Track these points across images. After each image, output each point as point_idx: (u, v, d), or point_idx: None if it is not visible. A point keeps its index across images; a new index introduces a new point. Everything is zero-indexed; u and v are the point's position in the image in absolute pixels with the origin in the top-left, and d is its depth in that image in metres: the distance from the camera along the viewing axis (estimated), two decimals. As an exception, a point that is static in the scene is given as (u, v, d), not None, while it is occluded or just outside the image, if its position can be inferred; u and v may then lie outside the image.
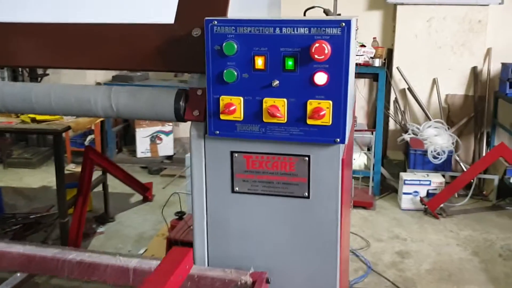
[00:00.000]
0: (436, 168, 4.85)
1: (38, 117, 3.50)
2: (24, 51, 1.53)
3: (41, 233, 4.14)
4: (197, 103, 1.41)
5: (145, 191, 4.81)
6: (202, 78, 1.44)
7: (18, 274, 1.77)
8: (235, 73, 1.30)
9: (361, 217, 4.59)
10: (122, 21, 1.51)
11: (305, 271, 1.42)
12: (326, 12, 4.56)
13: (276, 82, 1.29)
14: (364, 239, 4.13)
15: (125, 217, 4.53)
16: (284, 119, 1.31)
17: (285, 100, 1.30)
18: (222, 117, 1.35)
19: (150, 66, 1.48)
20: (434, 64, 5.13)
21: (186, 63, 1.45)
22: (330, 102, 1.27)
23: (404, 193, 4.68)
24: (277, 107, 1.30)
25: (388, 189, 5.16)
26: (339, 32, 1.23)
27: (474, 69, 5.10)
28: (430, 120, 5.09)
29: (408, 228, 4.36)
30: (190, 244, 3.61)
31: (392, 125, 5.42)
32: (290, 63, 1.27)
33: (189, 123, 1.44)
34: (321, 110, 1.27)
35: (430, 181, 4.65)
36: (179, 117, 1.43)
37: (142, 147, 5.86)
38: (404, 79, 5.17)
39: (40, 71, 5.55)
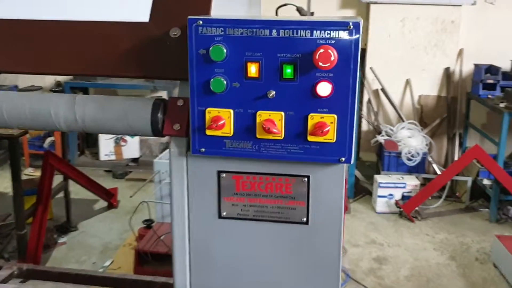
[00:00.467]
0: (410, 170, 4.78)
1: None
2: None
3: (-4, 245, 3.86)
4: (178, 116, 1.22)
5: (110, 197, 4.56)
6: (183, 86, 1.25)
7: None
8: (224, 82, 1.11)
9: (336, 221, 4.47)
10: (84, 19, 1.30)
11: (302, 306, 1.25)
12: (299, 10, 4.40)
13: (272, 93, 1.11)
14: (341, 245, 4.01)
15: (88, 226, 4.27)
16: (281, 135, 1.14)
17: (282, 113, 1.12)
18: (209, 132, 1.16)
19: (120, 71, 1.28)
20: (407, 64, 5.06)
21: (164, 68, 1.26)
22: (335, 116, 1.10)
23: (379, 196, 4.59)
24: (273, 122, 1.13)
25: (361, 191, 5.07)
26: (347, 35, 1.06)
27: (447, 70, 5.05)
28: (403, 121, 5.02)
29: (384, 233, 4.27)
30: (160, 256, 3.43)
31: (365, 126, 5.33)
32: (288, 71, 1.10)
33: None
34: (325, 125, 1.10)
35: (405, 183, 4.57)
36: (157, 132, 1.24)
37: (106, 149, 5.58)
38: (377, 79, 5.08)
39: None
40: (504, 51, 4.82)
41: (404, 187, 4.57)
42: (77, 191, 4.47)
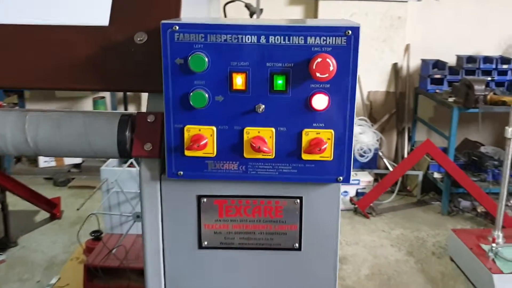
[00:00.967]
0: (362, 166, 4.78)
1: None
2: None
3: None
4: (149, 134, 1.06)
5: (52, 208, 4.26)
6: (153, 99, 1.10)
7: None
8: (206, 96, 0.97)
9: (292, 222, 4.39)
10: (31, 22, 1.12)
11: None
12: (248, 6, 4.27)
13: (261, 107, 0.98)
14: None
15: (30, 240, 3.97)
16: (272, 154, 1.00)
17: (273, 129, 0.99)
18: (188, 153, 1.01)
19: (77, 83, 1.10)
20: (356, 60, 5.04)
21: (129, 79, 1.09)
22: (332, 131, 0.99)
23: (334, 194, 4.55)
24: (263, 139, 0.99)
25: (315, 189, 5.02)
26: (344, 42, 0.94)
27: (395, 65, 5.08)
28: (354, 117, 5.00)
29: (341, 230, 4.23)
30: (111, 271, 3.21)
31: (315, 123, 5.28)
32: (279, 82, 0.97)
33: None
34: (321, 142, 0.98)
35: (359, 180, 4.56)
36: (124, 153, 1.07)
37: (45, 155, 5.24)
38: (327, 76, 5.03)
39: None
40: (449, 47, 4.89)
41: (358, 184, 4.56)
42: (15, 202, 4.13)
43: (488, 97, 4.11)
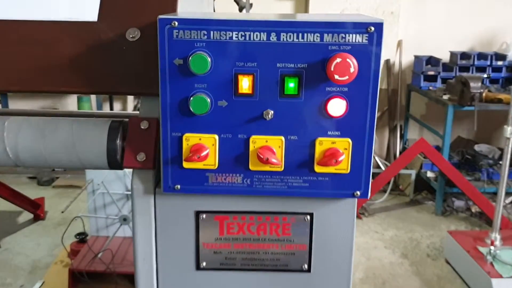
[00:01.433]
0: (355, 165, 4.68)
1: None
2: None
3: None
4: (142, 142, 0.94)
5: (36, 208, 4.11)
6: (147, 102, 0.98)
7: None
8: (208, 100, 0.85)
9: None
10: (11, 17, 0.99)
11: None
12: (237, 1, 4.15)
13: (269, 113, 0.87)
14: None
15: (13, 242, 3.82)
16: (281, 166, 0.89)
17: (282, 138, 0.88)
18: (187, 165, 0.89)
19: (63, 86, 0.98)
20: (349, 57, 4.95)
21: (120, 81, 0.97)
22: (349, 140, 0.88)
23: (326, 194, 4.45)
24: (271, 149, 0.88)
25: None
26: (366, 40, 0.83)
27: (387, 61, 5.00)
28: (346, 115, 4.91)
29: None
30: (96, 276, 3.09)
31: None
32: (291, 85, 0.85)
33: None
34: (338, 153, 0.87)
35: (351, 180, 4.46)
36: (115, 164, 0.95)
37: (29, 153, 5.07)
38: (319, 73, 4.93)
39: None
40: (443, 43, 4.82)
41: (350, 183, 4.47)
42: (-3, 202, 3.99)
43: (483, 94, 4.04)
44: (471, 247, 3.36)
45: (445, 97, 4.25)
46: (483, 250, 3.28)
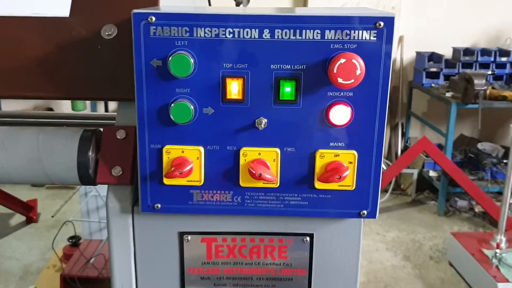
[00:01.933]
0: (355, 164, 4.57)
1: None
2: None
3: None
4: (118, 154, 0.83)
5: (28, 211, 3.99)
6: (125, 109, 0.86)
7: None
8: (191, 108, 0.74)
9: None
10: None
11: None
12: (234, -4, 4.03)
13: (262, 122, 0.75)
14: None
15: (4, 246, 3.71)
16: (276, 183, 0.78)
17: (277, 150, 0.77)
18: (167, 181, 0.78)
19: (25, 90, 0.86)
20: (349, 53, 4.82)
21: (95, 84, 0.86)
22: (355, 153, 0.76)
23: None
24: (265, 163, 0.76)
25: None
26: (374, 37, 0.71)
27: (388, 58, 4.86)
28: (346, 113, 4.79)
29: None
30: (88, 281, 2.98)
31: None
32: (287, 89, 0.74)
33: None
34: (341, 167, 0.75)
35: (352, 180, 4.35)
36: (87, 179, 0.84)
37: (21, 153, 4.94)
38: (318, 69, 4.81)
39: None
40: (445, 38, 4.69)
41: (351, 183, 4.36)
42: (-12, 205, 3.88)
43: (488, 91, 3.92)
44: (475, 249, 3.25)
45: (448, 94, 4.13)
46: (488, 253, 3.16)
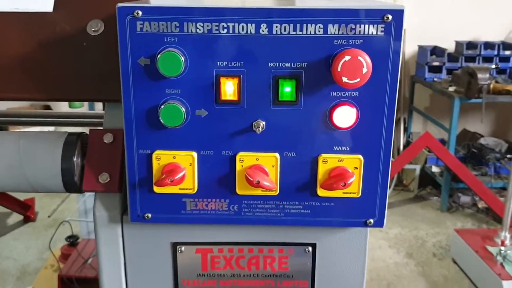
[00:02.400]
0: (357, 160, 4.52)
1: None
2: None
3: None
4: (105, 160, 0.77)
5: (26, 210, 3.94)
6: (113, 110, 0.80)
7: None
8: (182, 110, 0.68)
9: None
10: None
11: None
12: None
13: (260, 125, 0.69)
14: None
15: (1, 246, 3.66)
16: (275, 190, 0.72)
17: (277, 155, 0.71)
18: (158, 189, 0.72)
19: (4, 91, 0.81)
20: (350, 47, 4.76)
21: (80, 85, 0.80)
22: (361, 157, 0.70)
23: (328, 191, 4.29)
24: (263, 169, 0.71)
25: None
26: (382, 31, 0.65)
27: (390, 52, 4.79)
28: (347, 108, 4.73)
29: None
30: (86, 282, 2.93)
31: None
32: (287, 89, 0.68)
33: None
34: (346, 173, 0.69)
35: (354, 176, 4.30)
36: (72, 186, 0.78)
37: (19, 151, 4.87)
38: (319, 64, 4.74)
39: None
40: (448, 32, 4.62)
41: (353, 180, 4.30)
42: (-16, 203, 3.82)
43: (491, 86, 3.85)
44: (479, 246, 3.19)
45: (451, 89, 4.07)
46: (492, 250, 3.11)
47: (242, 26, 0.65)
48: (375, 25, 0.65)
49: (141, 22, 0.66)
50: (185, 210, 0.74)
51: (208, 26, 0.65)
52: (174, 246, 0.79)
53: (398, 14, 0.65)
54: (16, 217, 3.99)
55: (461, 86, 3.97)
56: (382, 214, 0.73)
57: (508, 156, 4.31)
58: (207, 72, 0.67)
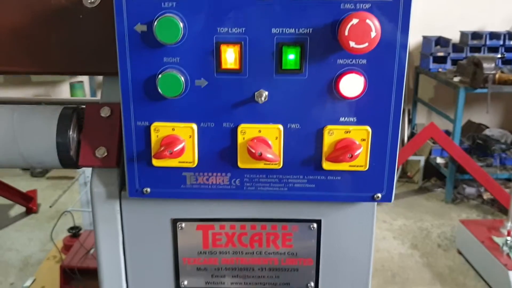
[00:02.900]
0: (361, 152, 4.48)
1: None
2: None
3: None
4: (102, 133, 0.74)
5: (28, 202, 3.92)
6: (110, 84, 0.78)
7: None
8: (181, 79, 0.65)
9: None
10: None
11: None
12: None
13: (263, 95, 0.66)
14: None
15: (4, 237, 3.65)
16: (278, 163, 0.69)
17: (280, 127, 0.68)
18: (157, 162, 0.69)
19: (1, 64, 0.78)
20: (353, 38, 4.71)
21: (76, 58, 0.77)
22: (368, 129, 0.67)
23: (331, 182, 4.26)
24: (266, 141, 0.68)
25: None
26: (390, -5, 0.62)
27: (394, 43, 4.75)
28: (351, 99, 4.70)
29: (339, 222, 3.95)
30: (88, 273, 2.92)
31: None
32: (291, 57, 0.65)
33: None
34: (353, 145, 0.67)
35: (358, 167, 4.27)
36: (68, 161, 0.76)
37: (21, 144, 4.86)
38: (322, 55, 4.71)
39: None
40: (452, 22, 4.57)
41: (356, 171, 4.28)
42: (-13, 196, 3.81)
43: (497, 76, 3.80)
44: (485, 237, 3.16)
45: (456, 79, 4.02)
46: (498, 240, 3.08)
47: (244, -10, 0.62)
48: (384, -12, 0.62)
49: (138, -14, 0.63)
50: (185, 184, 0.71)
51: (208, -11, 0.63)
52: (174, 222, 0.76)
53: (408, -24, 0.62)
54: (18, 209, 3.98)
55: (466, 76, 3.93)
56: (391, 189, 0.70)
57: (514, 147, 4.28)
58: (206, 39, 0.65)
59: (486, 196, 4.18)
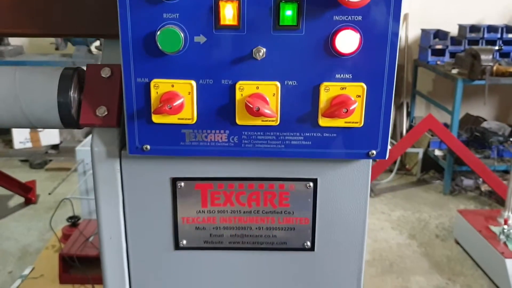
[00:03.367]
0: (359, 144, 4.50)
1: None
2: None
3: None
4: (103, 93, 0.76)
5: (27, 192, 3.94)
6: (110, 46, 0.79)
7: None
8: (181, 35, 0.66)
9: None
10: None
11: None
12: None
13: (261, 51, 0.68)
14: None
15: (3, 227, 3.66)
16: (275, 120, 0.70)
17: (277, 84, 0.69)
18: (157, 119, 0.71)
19: (1, 26, 0.79)
20: (352, 31, 4.72)
21: (75, 19, 0.79)
22: (363, 85, 0.69)
23: (330, 174, 4.28)
24: (264, 97, 0.69)
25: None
26: (385, -50, 0.64)
27: (392, 36, 4.76)
28: (350, 92, 4.71)
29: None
30: (88, 260, 2.93)
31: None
32: (289, 13, 0.66)
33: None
34: (348, 101, 0.68)
35: (356, 159, 4.28)
36: (69, 120, 0.77)
37: (20, 136, 4.87)
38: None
39: None
40: (450, 15, 4.59)
41: (355, 163, 4.29)
42: (-14, 186, 3.83)
43: (494, 68, 3.82)
44: (482, 226, 3.18)
45: (454, 71, 4.04)
46: (495, 229, 3.10)
47: None
48: None
49: None
50: (184, 141, 0.72)
51: None
52: (174, 181, 0.77)
53: None
54: (17, 199, 4.00)
55: (464, 68, 3.95)
56: (385, 145, 0.72)
57: (511, 139, 4.29)
58: (206, -6, 0.66)
59: (484, 187, 4.21)
